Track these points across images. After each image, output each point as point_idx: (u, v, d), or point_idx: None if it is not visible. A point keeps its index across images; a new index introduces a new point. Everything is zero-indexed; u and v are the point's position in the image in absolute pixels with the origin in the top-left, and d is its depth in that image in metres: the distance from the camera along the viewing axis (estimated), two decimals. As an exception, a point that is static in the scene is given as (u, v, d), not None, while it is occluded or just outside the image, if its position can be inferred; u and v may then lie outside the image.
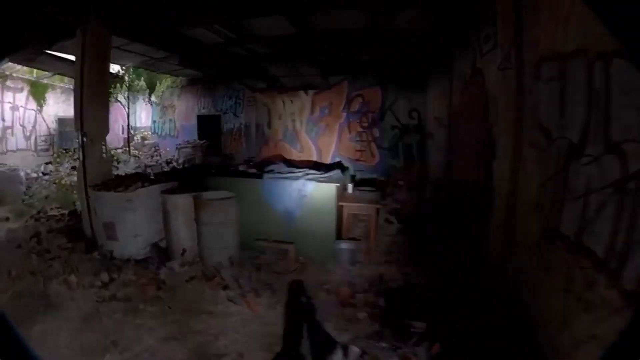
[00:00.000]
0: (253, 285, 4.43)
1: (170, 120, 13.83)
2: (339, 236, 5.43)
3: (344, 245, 5.17)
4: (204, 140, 12.40)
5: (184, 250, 5.02)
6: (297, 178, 5.45)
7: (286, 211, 5.36)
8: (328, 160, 10.78)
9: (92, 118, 5.78)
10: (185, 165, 9.99)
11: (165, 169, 9.98)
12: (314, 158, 11.24)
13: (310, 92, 11.52)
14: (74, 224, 6.65)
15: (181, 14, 6.31)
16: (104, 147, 6.00)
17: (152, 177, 5.66)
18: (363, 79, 10.74)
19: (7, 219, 7.99)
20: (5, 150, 10.62)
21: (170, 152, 12.91)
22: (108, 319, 3.84)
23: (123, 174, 6.19)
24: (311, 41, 7.81)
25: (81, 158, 5.80)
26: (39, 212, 8.02)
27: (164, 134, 14.05)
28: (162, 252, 5.19)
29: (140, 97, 14.21)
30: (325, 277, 4.77)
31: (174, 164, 11.34)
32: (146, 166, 10.71)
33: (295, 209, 5.31)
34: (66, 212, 7.69)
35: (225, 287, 4.37)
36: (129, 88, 13.11)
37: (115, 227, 5.08)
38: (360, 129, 11.18)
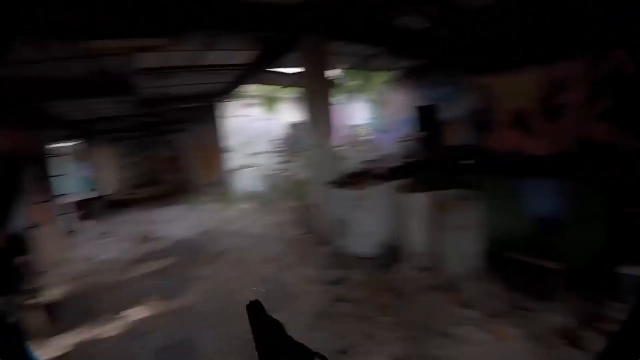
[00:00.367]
0: (501, 308, 3.67)
1: (387, 115, 14.06)
2: (619, 255, 3.84)
3: (630, 269, 3.50)
4: (423, 133, 12.02)
5: (418, 255, 4.76)
6: (553, 175, 4.30)
7: (544, 217, 4.20)
8: (572, 146, 8.35)
9: (320, 120, 6.24)
10: (411, 161, 9.83)
11: (391, 165, 10.12)
12: (554, 145, 8.94)
13: (540, 66, 9.08)
14: (308, 216, 7.46)
15: (388, 3, 6.06)
16: (331, 146, 6.47)
17: (384, 174, 5.69)
18: (609, 37, 7.56)
19: (254, 209, 9.95)
20: (252, 154, 13.41)
21: (389, 147, 13.22)
22: (339, 321, 3.87)
23: (350, 171, 6.54)
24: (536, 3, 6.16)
25: (313, 157, 6.36)
26: (279, 205, 9.60)
27: (382, 129, 14.44)
28: (394, 254, 5.04)
29: (357, 96, 15.13)
30: (603, 313, 3.45)
31: (396, 159, 11.49)
32: (367, 162, 11.30)
33: (556, 214, 4.09)
34: (300, 205, 8.74)
35: (466, 305, 3.80)
36: (346, 89, 14.13)
37: (347, 224, 5.25)
38: (611, 106, 7.98)
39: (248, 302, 0.71)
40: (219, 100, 11.90)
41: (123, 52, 5.72)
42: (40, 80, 6.48)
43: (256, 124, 13.73)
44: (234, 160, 12.69)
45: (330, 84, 7.03)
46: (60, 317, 5.07)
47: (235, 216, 9.59)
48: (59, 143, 12.26)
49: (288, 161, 13.46)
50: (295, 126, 14.84)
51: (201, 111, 13.31)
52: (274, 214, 8.83)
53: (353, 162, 11.35)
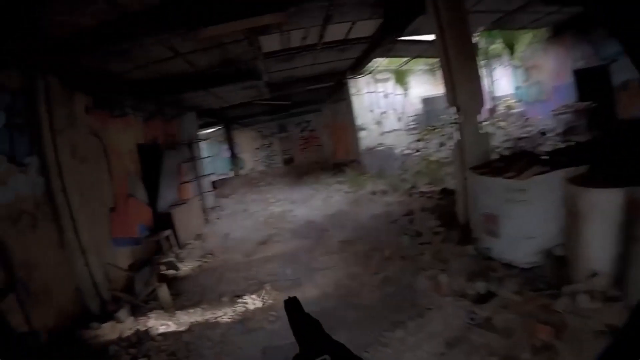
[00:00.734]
0: None
1: (537, 82, 11.41)
2: None
3: None
4: (588, 102, 9.21)
5: (598, 276, 3.19)
6: None
7: None
8: None
9: (464, 91, 4.97)
10: (578, 140, 7.51)
11: (551, 146, 7.99)
12: None
13: None
14: (446, 204, 6.26)
15: None
16: (477, 122, 5.14)
17: (546, 158, 4.15)
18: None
19: (385, 192, 9.08)
20: (383, 132, 12.51)
21: (542, 120, 10.74)
22: (477, 358, 2.80)
23: (502, 153, 5.14)
24: None
25: (458, 135, 5.15)
26: (411, 187, 8.54)
27: (531, 99, 11.88)
28: (558, 266, 3.56)
29: (498, 63, 12.76)
30: None
31: (554, 137, 9.12)
32: (515, 140, 9.28)
33: None
34: (436, 189, 7.59)
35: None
36: (485, 55, 11.95)
37: (499, 222, 3.96)
38: None
39: (286, 298, 0.71)
40: (348, 78, 11.32)
41: (242, 34, 5.51)
42: (174, 75, 6.88)
43: (388, 100, 12.82)
44: (366, 138, 12.03)
45: (473, 46, 5.63)
46: (184, 291, 5.28)
47: (365, 198, 8.97)
48: (201, 129, 13.61)
49: (422, 139, 12.22)
50: (428, 101, 13.42)
51: (331, 90, 13.07)
52: (407, 199, 7.85)
53: (497, 138, 9.35)
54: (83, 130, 5.43)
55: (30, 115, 4.53)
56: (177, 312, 4.59)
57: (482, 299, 3.43)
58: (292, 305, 0.70)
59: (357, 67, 10.32)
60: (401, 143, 12.17)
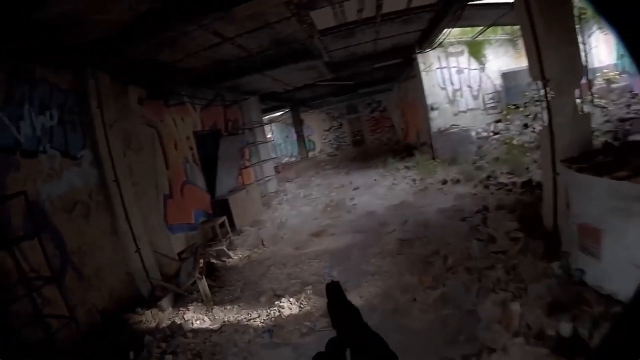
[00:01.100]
0: None
1: None
2: None
3: None
4: None
5: None
6: None
7: None
8: None
9: (556, 58, 3.83)
10: None
11: None
12: None
13: None
14: (529, 201, 5.18)
15: None
16: (574, 99, 3.98)
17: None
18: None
19: (458, 181, 8.02)
20: (457, 112, 11.14)
21: None
22: None
23: (606, 139, 3.89)
24: None
25: (546, 116, 4.05)
26: (488, 177, 7.39)
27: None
28: None
29: (595, 27, 10.28)
30: None
31: None
32: (621, 121, 7.40)
33: None
34: (518, 180, 6.41)
35: None
36: (579, 18, 9.64)
37: (601, 238, 2.97)
38: None
39: (329, 281, 0.71)
40: (416, 53, 10.16)
41: (287, 11, 5.03)
42: (226, 60, 6.65)
43: (462, 76, 11.34)
44: (437, 119, 10.84)
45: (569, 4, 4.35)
46: (227, 284, 5.18)
47: (434, 188, 8.07)
48: (266, 113, 13.58)
49: (502, 120, 10.63)
50: (509, 76, 11.52)
51: (399, 67, 12.00)
52: (482, 191, 6.79)
53: (595, 118, 7.47)
54: (137, 121, 5.53)
55: (83, 112, 4.68)
56: (215, 306, 4.51)
57: (566, 347, 2.53)
58: (333, 290, 0.69)
59: (425, 40, 9.11)
60: (478, 124, 10.66)
